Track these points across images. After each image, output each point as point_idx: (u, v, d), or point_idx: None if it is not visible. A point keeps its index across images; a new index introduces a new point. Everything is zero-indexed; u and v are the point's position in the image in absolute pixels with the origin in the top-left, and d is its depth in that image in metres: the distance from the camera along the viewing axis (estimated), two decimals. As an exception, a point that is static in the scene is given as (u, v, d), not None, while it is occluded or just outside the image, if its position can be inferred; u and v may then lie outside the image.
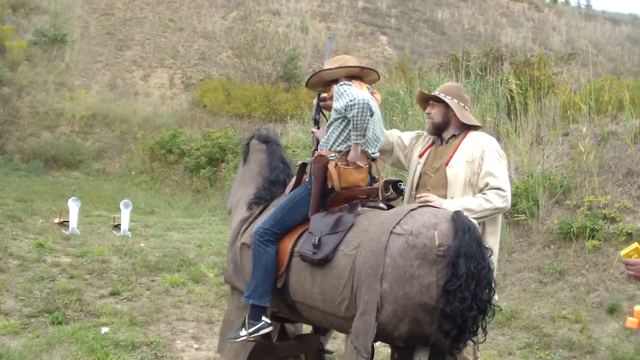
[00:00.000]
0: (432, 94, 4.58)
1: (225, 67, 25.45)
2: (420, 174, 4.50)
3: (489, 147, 4.31)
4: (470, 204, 4.11)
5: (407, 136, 4.81)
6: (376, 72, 4.51)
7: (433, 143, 4.58)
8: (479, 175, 4.25)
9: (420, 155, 4.58)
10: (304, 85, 4.64)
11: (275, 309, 4.36)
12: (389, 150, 4.75)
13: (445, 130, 4.51)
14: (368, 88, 4.36)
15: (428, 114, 4.58)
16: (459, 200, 4.15)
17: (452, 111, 4.42)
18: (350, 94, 4.00)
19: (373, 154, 4.32)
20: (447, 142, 4.49)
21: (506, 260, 8.39)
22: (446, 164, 4.35)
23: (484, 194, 4.20)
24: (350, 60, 4.46)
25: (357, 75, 4.40)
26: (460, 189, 4.28)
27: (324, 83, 4.55)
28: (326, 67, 4.49)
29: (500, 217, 4.47)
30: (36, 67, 22.18)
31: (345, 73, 4.42)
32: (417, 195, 4.37)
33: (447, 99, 4.43)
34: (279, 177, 4.76)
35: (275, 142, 5.02)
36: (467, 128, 4.49)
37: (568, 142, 9.72)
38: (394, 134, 4.78)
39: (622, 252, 3.29)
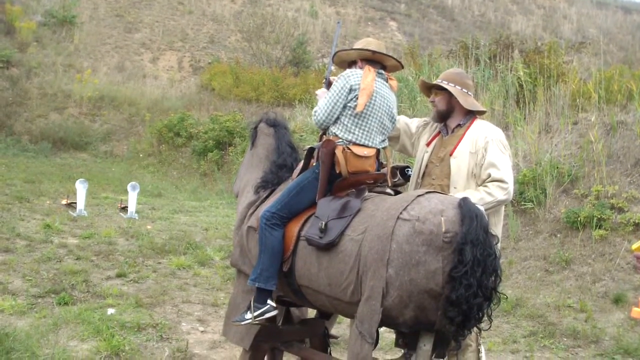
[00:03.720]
0: (434, 82, 4.55)
1: (234, 50, 25.40)
2: (427, 162, 4.50)
3: (492, 138, 4.30)
4: (472, 197, 4.09)
5: (414, 123, 4.80)
6: (395, 59, 4.46)
7: (440, 132, 4.57)
8: (481, 166, 4.24)
9: (428, 144, 4.57)
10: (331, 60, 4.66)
11: (281, 292, 4.37)
12: (395, 137, 4.74)
13: (450, 117, 4.49)
14: (380, 74, 4.33)
15: (432, 102, 4.56)
16: (461, 195, 4.14)
17: (456, 98, 4.40)
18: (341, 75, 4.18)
19: (382, 141, 4.31)
20: (452, 131, 4.48)
21: (512, 248, 8.39)
22: (450, 154, 4.35)
23: (485, 186, 4.19)
24: (372, 44, 4.43)
25: (371, 59, 4.37)
26: (463, 179, 4.28)
27: (346, 64, 4.56)
28: (355, 47, 4.51)
29: (502, 209, 4.46)
30: (45, 49, 22.20)
31: (358, 55, 4.41)
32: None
33: (450, 87, 4.40)
34: (286, 161, 4.75)
35: (283, 126, 5.00)
36: (472, 115, 4.48)
37: (577, 131, 9.68)
38: (401, 121, 4.76)
39: (633, 246, 3.27)
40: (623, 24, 36.51)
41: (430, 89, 4.60)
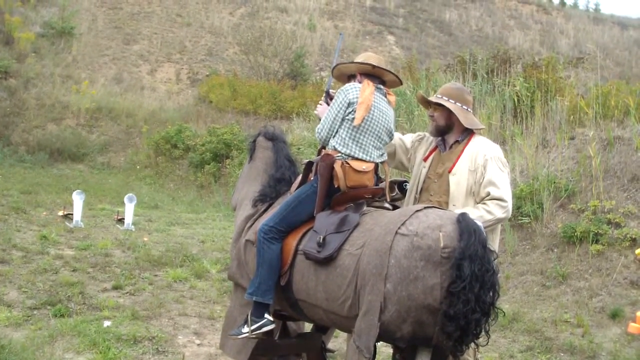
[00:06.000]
0: (434, 97, 4.54)
1: (232, 63, 25.43)
2: (425, 178, 4.49)
3: (491, 156, 4.31)
4: (471, 215, 4.10)
5: (408, 138, 4.80)
6: (394, 74, 4.47)
7: (437, 147, 4.56)
8: (481, 184, 4.25)
9: (425, 159, 4.56)
10: (330, 73, 4.70)
11: (278, 306, 4.36)
12: (391, 153, 4.73)
13: (449, 132, 4.49)
14: (379, 89, 4.34)
15: (431, 116, 4.55)
16: (460, 211, 4.14)
17: (455, 115, 4.40)
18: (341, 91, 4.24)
19: (380, 156, 4.32)
20: (450, 147, 4.48)
21: (509, 263, 8.39)
22: (449, 171, 4.35)
23: (484, 204, 4.20)
24: (372, 58, 4.45)
25: (370, 73, 4.39)
26: (462, 197, 4.28)
27: (345, 77, 4.59)
28: (355, 61, 4.54)
29: (499, 225, 4.46)
30: (43, 60, 22.20)
31: (358, 69, 4.43)
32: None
33: (450, 103, 4.39)
34: (284, 174, 4.76)
35: (281, 140, 5.02)
36: (470, 131, 4.48)
37: (574, 146, 9.70)
38: (395, 137, 4.77)
39: (638, 251, 3.30)
40: (620, 40, 36.65)
41: (429, 102, 4.60)
